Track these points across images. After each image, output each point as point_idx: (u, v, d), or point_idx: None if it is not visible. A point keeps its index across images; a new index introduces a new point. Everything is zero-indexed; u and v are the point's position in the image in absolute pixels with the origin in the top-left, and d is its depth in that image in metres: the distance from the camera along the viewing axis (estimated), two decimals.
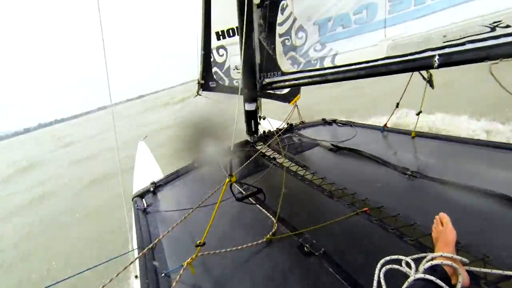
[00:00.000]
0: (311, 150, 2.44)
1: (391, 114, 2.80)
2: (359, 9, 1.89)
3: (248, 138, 2.74)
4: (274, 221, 1.46)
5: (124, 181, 2.13)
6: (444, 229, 1.05)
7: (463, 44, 1.35)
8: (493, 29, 1.26)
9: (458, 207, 1.35)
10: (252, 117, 2.60)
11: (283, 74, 2.28)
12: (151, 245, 1.46)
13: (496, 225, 1.21)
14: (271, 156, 2.37)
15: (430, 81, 2.23)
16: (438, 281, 0.82)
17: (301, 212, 1.62)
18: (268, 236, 1.37)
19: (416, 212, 1.36)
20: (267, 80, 2.38)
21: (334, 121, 3.13)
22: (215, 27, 2.80)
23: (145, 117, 24.66)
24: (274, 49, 2.29)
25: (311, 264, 1.19)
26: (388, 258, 1.04)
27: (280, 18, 2.21)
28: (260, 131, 2.83)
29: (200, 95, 3.11)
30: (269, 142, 2.56)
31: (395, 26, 1.74)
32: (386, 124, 2.69)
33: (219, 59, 2.95)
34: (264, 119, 2.72)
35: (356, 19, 1.92)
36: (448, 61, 1.38)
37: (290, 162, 2.20)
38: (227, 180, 1.35)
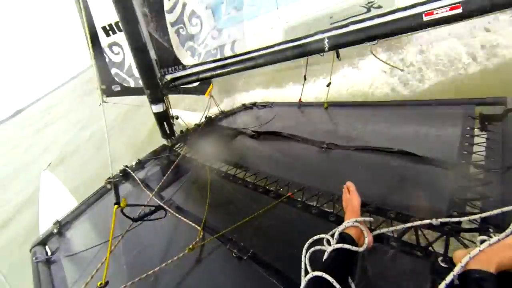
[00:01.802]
0: (233, 142, 2.34)
1: (302, 88, 2.85)
2: None
3: (166, 142, 2.49)
4: (200, 230, 1.35)
5: None
6: (350, 197, 1.12)
7: (347, 25, 1.35)
8: (368, 10, 1.27)
9: (369, 170, 1.46)
10: (163, 119, 2.33)
11: (185, 68, 2.05)
12: None
13: (397, 179, 1.35)
14: (193, 157, 2.20)
15: (337, 53, 2.29)
16: (346, 246, 0.89)
17: (227, 213, 1.54)
18: (190, 246, 1.24)
19: (334, 184, 1.39)
20: (168, 77, 2.12)
21: (254, 104, 3.07)
22: (100, 21, 2.32)
23: None
24: (169, 41, 2.02)
25: (240, 269, 1.14)
26: (310, 240, 1.07)
27: (167, 4, 1.92)
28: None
29: (106, 102, 2.60)
30: (188, 142, 2.37)
31: (287, 7, 1.66)
32: (300, 99, 2.75)
33: (115, 58, 2.49)
34: (177, 118, 2.47)
35: (248, 0, 1.77)
36: (336, 43, 1.39)
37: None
38: (115, 207, 1.16)
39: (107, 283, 1.06)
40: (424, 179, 1.30)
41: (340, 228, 0.99)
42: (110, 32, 2.44)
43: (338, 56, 2.31)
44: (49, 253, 1.69)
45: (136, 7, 1.87)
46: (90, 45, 2.49)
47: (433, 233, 1.00)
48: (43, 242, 1.81)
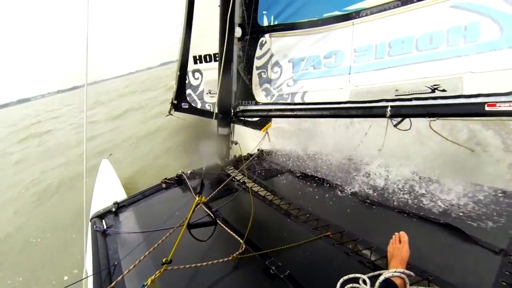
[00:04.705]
0: (280, 176, 2.52)
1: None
2: (329, 54, 2.10)
3: (219, 162, 2.78)
4: (242, 243, 1.50)
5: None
6: (401, 247, 1.18)
7: (410, 99, 1.55)
8: (433, 91, 1.47)
9: (408, 233, 1.49)
10: (224, 142, 2.66)
11: (257, 103, 2.40)
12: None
13: (439, 249, 1.37)
14: (241, 181, 2.42)
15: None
16: None
17: (268, 235, 1.69)
18: (234, 255, 1.40)
19: (373, 236, 1.48)
20: (241, 108, 2.48)
21: None
22: (193, 51, 2.90)
23: None
24: (250, 80, 2.42)
25: (276, 286, 1.23)
26: (346, 277, 1.15)
27: (258, 52, 2.36)
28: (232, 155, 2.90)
29: (171, 115, 3.11)
30: (241, 168, 2.62)
31: (358, 74, 1.95)
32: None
33: (194, 82, 3.02)
34: (236, 144, 2.79)
35: (326, 63, 2.11)
36: (398, 113, 1.58)
37: (259, 187, 2.26)
38: (196, 199, 1.38)
39: (171, 261, 1.25)
40: (469, 256, 1.31)
41: (388, 274, 1.04)
42: (198, 61, 3.00)
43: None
44: (105, 226, 1.96)
45: (234, 50, 2.34)
46: (179, 66, 3.06)
47: None
48: (101, 216, 2.10)
